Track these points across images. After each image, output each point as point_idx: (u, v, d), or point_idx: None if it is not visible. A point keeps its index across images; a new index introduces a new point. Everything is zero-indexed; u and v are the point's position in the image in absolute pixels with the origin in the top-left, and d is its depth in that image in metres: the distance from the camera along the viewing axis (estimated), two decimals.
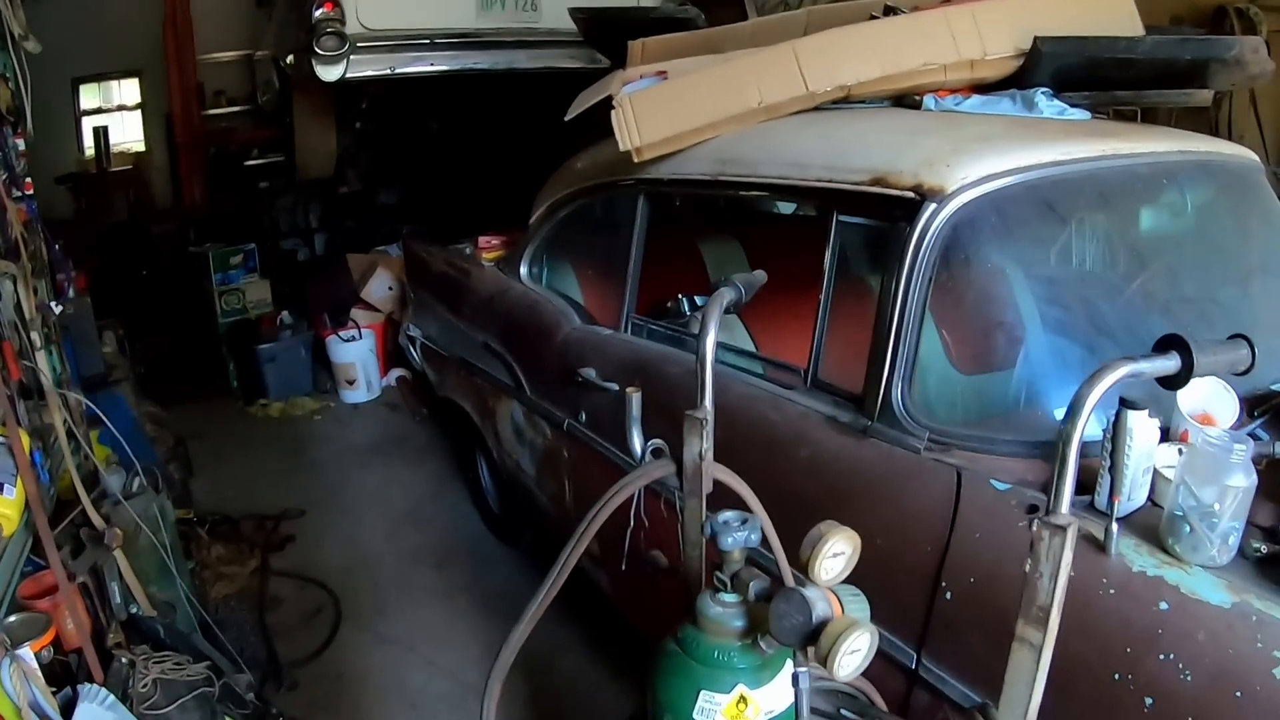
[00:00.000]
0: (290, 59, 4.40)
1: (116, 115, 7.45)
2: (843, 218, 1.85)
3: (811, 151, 1.99)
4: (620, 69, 2.78)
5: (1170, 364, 1.09)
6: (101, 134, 7.05)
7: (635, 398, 1.59)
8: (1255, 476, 1.25)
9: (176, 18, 5.60)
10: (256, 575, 3.42)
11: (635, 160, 2.21)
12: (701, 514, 1.32)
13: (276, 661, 2.87)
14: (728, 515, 1.29)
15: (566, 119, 2.67)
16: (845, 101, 2.22)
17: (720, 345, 1.90)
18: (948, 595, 1.48)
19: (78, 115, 7.27)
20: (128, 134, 7.49)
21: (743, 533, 1.28)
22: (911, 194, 1.68)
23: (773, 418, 1.90)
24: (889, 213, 1.73)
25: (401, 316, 5.00)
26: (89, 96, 7.36)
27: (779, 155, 2.07)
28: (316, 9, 3.85)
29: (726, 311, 1.41)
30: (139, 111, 7.46)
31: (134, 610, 2.19)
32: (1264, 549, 1.27)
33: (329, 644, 3.02)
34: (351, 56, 3.98)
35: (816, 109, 2.19)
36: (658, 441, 1.38)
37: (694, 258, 3.03)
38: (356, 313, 5.45)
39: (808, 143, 2.05)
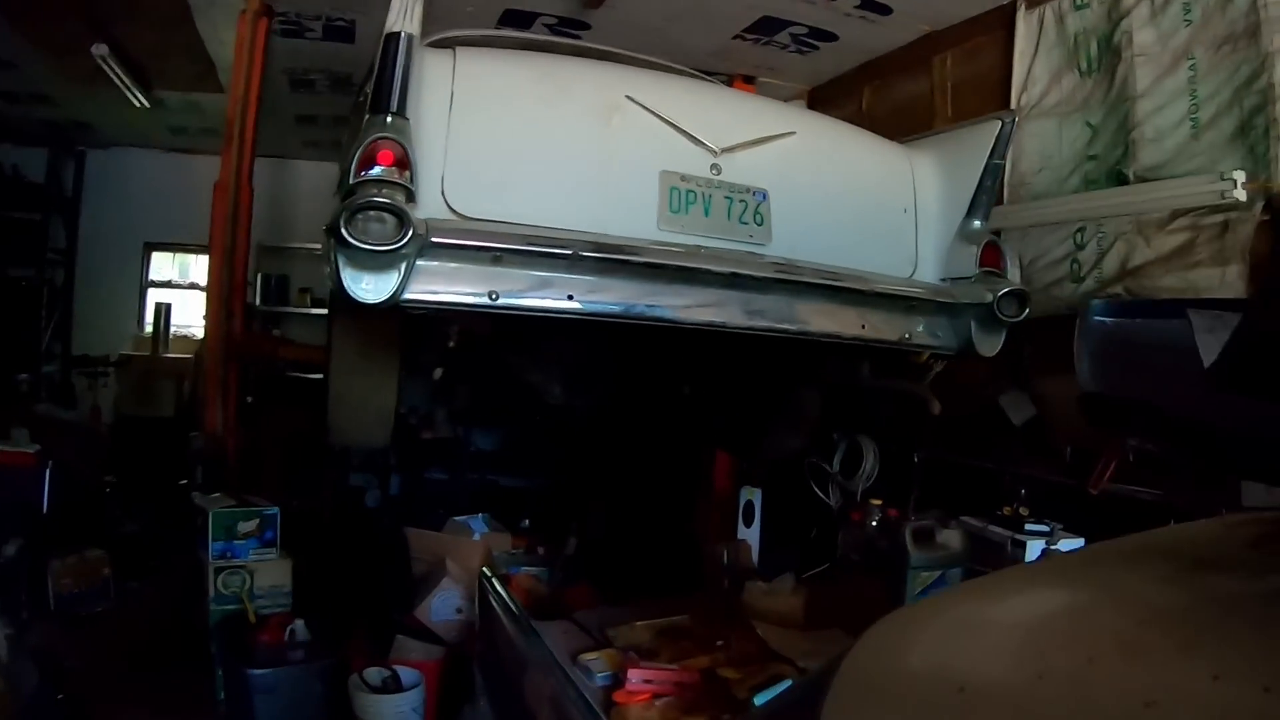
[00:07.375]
0: (323, 249, 2.41)
1: (190, 293, 6.11)
2: None
3: None
4: None
5: None
6: (163, 311, 5.65)
7: None
8: None
9: (229, 185, 3.85)
10: None
11: None
12: None
13: None
14: None
15: None
16: None
17: None
18: None
19: (144, 286, 5.96)
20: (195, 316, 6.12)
21: None
22: None
23: None
24: None
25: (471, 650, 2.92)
26: (161, 267, 6.08)
27: None
28: (361, 167, 1.87)
29: None
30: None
31: None
32: None
33: None
34: (418, 261, 1.93)
35: None
36: None
37: None
38: (404, 641, 3.36)
39: None
